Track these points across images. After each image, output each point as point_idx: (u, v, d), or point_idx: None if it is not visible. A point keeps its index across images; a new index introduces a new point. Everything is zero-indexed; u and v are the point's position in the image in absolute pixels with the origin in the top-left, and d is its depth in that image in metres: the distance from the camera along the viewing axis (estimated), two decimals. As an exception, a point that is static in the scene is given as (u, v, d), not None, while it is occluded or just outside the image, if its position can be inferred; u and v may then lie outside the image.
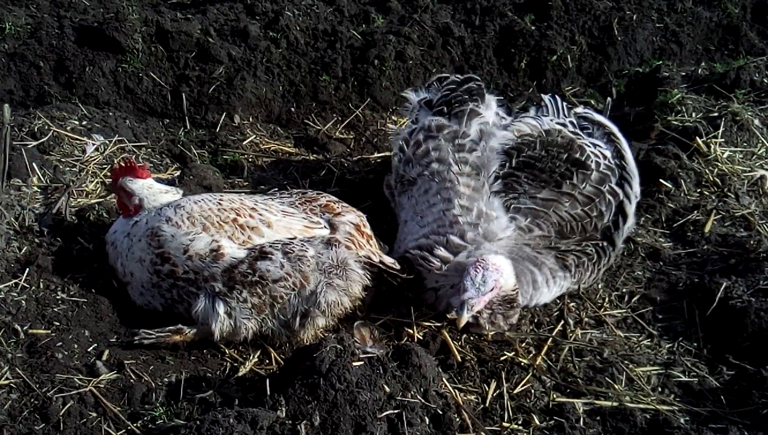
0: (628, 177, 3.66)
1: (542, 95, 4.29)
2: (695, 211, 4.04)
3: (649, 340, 3.42)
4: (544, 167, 3.53)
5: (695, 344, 3.36)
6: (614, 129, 3.92)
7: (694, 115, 4.68)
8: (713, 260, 3.76)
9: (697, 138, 4.40)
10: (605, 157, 3.66)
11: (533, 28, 5.51)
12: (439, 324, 3.38)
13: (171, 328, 3.16)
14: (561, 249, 3.40)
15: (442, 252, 3.34)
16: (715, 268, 3.68)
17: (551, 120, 3.86)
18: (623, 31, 5.56)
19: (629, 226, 3.68)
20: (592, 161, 3.58)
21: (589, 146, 3.67)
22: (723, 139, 4.44)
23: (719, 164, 4.29)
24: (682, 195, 4.16)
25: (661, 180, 4.18)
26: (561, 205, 3.44)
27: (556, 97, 4.13)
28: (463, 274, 3.17)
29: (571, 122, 3.87)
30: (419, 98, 4.14)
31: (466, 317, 3.14)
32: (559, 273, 3.41)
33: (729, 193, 4.14)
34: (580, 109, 4.13)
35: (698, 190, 4.18)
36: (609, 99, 4.76)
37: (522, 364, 3.22)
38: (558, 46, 5.42)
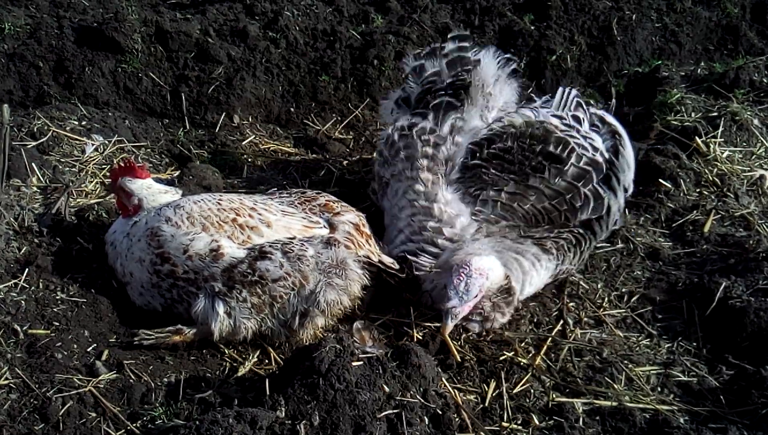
0: (617, 170, 3.61)
1: (561, 88, 4.15)
2: (694, 211, 4.04)
3: (648, 339, 3.41)
4: (513, 159, 3.49)
5: (695, 344, 3.36)
6: (620, 129, 3.86)
7: (693, 114, 4.68)
8: (712, 260, 3.76)
9: (697, 138, 4.40)
10: (595, 151, 3.59)
11: (532, 27, 5.52)
12: (438, 324, 3.38)
13: (170, 328, 3.16)
14: (535, 236, 3.39)
15: (424, 258, 3.35)
16: (714, 268, 3.68)
17: (547, 112, 3.80)
18: (622, 31, 5.56)
19: (616, 219, 3.66)
20: (573, 154, 3.50)
21: (575, 138, 3.60)
22: (722, 139, 4.44)
23: (718, 164, 4.29)
24: (681, 195, 4.16)
25: (661, 180, 4.18)
26: (526, 198, 3.41)
27: (571, 91, 4.01)
28: (448, 279, 3.17)
29: (574, 117, 3.79)
30: (395, 97, 4.11)
31: (450, 326, 3.15)
32: (542, 256, 3.40)
33: (728, 193, 4.14)
34: (596, 110, 3.99)
35: (697, 190, 4.18)
36: (613, 101, 4.68)
37: (521, 363, 3.22)
38: (557, 46, 5.43)
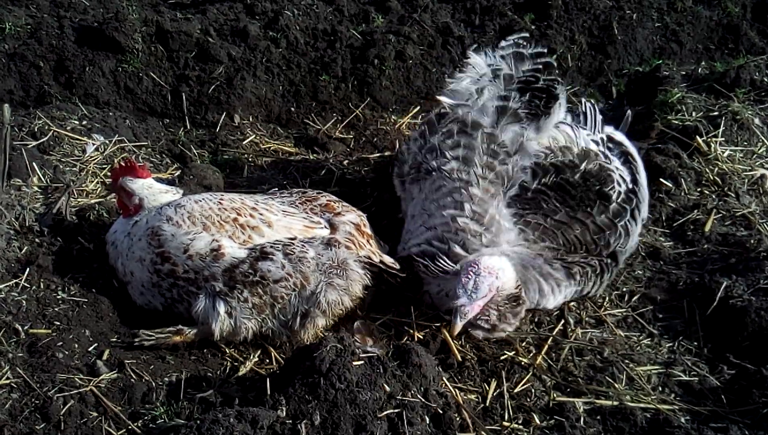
0: (639, 202, 3.58)
1: (582, 99, 4.11)
2: (695, 211, 4.03)
3: (649, 339, 3.41)
4: (576, 195, 3.39)
5: (695, 343, 3.36)
6: (632, 149, 3.80)
7: (694, 114, 4.68)
8: (713, 259, 3.76)
9: (698, 137, 4.40)
10: (625, 182, 3.55)
11: (533, 27, 5.51)
12: (438, 323, 3.38)
13: (171, 329, 3.16)
14: (567, 260, 3.34)
15: (443, 262, 3.25)
16: (715, 268, 3.68)
17: (587, 134, 3.67)
18: (623, 30, 5.56)
19: (632, 246, 3.64)
20: (614, 192, 3.46)
21: (614, 172, 3.53)
22: (723, 138, 4.44)
23: (719, 163, 4.29)
24: (682, 194, 4.16)
25: (662, 179, 4.18)
26: (572, 229, 3.35)
27: (595, 106, 3.91)
28: (457, 278, 3.15)
29: (602, 139, 3.70)
30: (488, 64, 3.73)
31: (459, 325, 3.12)
32: (564, 283, 3.37)
33: (729, 193, 4.14)
34: (607, 129, 3.87)
35: (698, 190, 4.18)
36: (628, 113, 4.30)
37: (522, 363, 3.22)
38: (558, 46, 5.43)
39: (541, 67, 3.68)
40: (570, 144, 3.54)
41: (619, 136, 3.84)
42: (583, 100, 4.01)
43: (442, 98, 3.72)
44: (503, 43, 3.81)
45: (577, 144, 3.55)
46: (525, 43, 3.78)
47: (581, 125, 3.75)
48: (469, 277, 3.08)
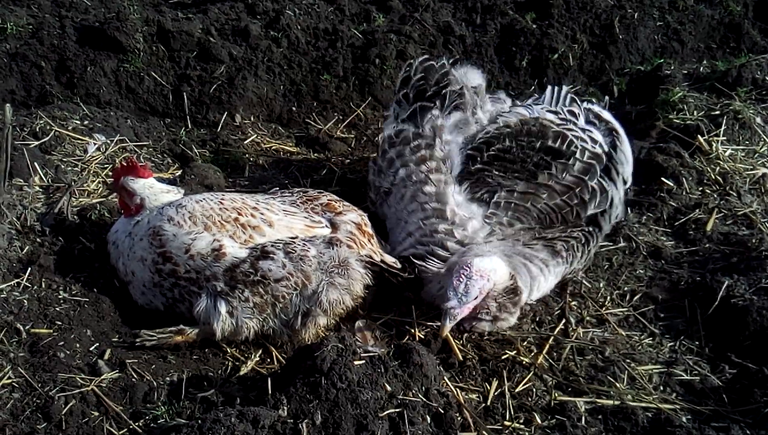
0: (616, 163, 3.65)
1: (549, 87, 4.22)
2: (697, 210, 4.03)
3: (650, 338, 3.41)
4: (514, 158, 3.51)
5: (697, 343, 3.36)
6: (617, 125, 3.90)
7: (695, 113, 4.68)
8: (715, 259, 3.75)
9: (699, 136, 4.40)
10: (594, 143, 3.63)
11: (534, 26, 5.51)
12: (440, 323, 3.37)
13: (172, 328, 3.16)
14: (547, 237, 3.38)
15: (432, 262, 3.33)
16: (716, 267, 3.68)
17: (542, 108, 3.84)
18: (624, 30, 5.56)
19: (618, 214, 3.68)
20: (575, 148, 3.54)
21: (573, 131, 3.63)
22: (725, 138, 4.43)
23: (721, 162, 4.29)
24: (683, 193, 4.15)
25: (663, 178, 4.18)
26: (539, 197, 3.42)
27: (563, 87, 4.10)
28: (448, 279, 3.17)
29: (569, 111, 3.83)
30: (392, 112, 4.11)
31: (449, 326, 3.14)
32: (551, 261, 3.39)
33: (731, 192, 4.14)
34: (592, 106, 4.04)
35: (700, 189, 4.18)
36: (606, 98, 4.68)
37: (523, 362, 3.22)
38: (559, 45, 5.42)
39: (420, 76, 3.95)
40: (520, 120, 3.72)
41: (606, 115, 3.97)
42: (549, 86, 4.19)
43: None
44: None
45: (527, 119, 3.72)
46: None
47: (540, 103, 3.94)
48: (461, 280, 3.10)
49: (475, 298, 3.12)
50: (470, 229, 3.37)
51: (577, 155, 3.53)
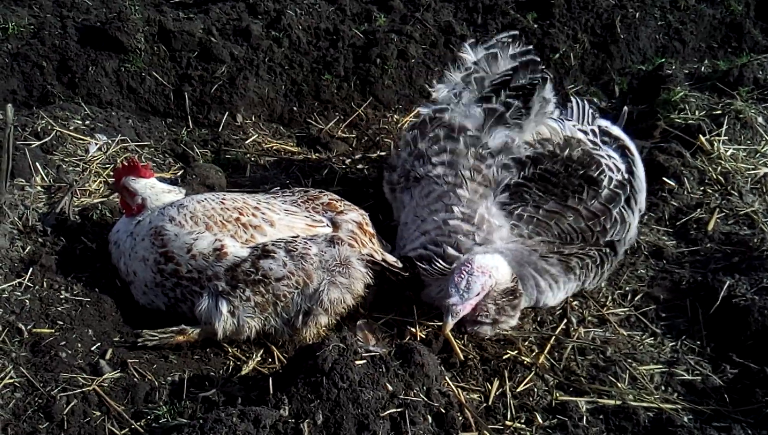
0: (635, 192, 3.60)
1: (572, 97, 4.16)
2: (698, 209, 4.03)
3: (652, 338, 3.41)
4: (558, 182, 3.42)
5: (698, 343, 3.36)
6: (629, 143, 3.84)
7: (697, 112, 4.67)
8: (716, 258, 3.75)
9: (701, 136, 4.39)
10: (619, 171, 3.57)
11: (536, 26, 5.51)
12: (441, 323, 3.37)
13: (174, 328, 3.16)
14: (564, 253, 3.35)
15: (440, 264, 3.28)
16: (718, 267, 3.67)
17: (573, 125, 3.73)
18: (626, 29, 5.56)
19: (631, 237, 3.66)
20: (605, 177, 3.48)
21: (605, 159, 3.57)
22: (726, 137, 4.43)
23: (722, 162, 4.28)
24: (685, 193, 4.15)
25: (665, 178, 4.18)
26: (564, 218, 3.37)
27: (585, 101, 3.98)
28: (450, 276, 3.15)
29: (592, 130, 3.76)
30: (463, 74, 3.78)
31: (451, 323, 3.13)
32: (561, 278, 3.38)
33: (732, 191, 4.13)
34: (602, 122, 3.94)
35: (701, 188, 4.18)
36: (625, 109, 4.45)
37: (525, 362, 3.22)
38: (560, 44, 5.42)
39: (518, 65, 3.69)
40: (553, 135, 3.59)
41: (616, 131, 3.89)
42: (572, 97, 4.07)
43: (422, 109, 3.78)
44: (490, 42, 3.89)
45: (561, 135, 3.60)
46: (508, 42, 3.84)
47: (567, 118, 3.81)
48: (462, 276, 3.09)
49: (477, 295, 3.10)
50: (495, 236, 3.31)
51: (605, 183, 3.47)
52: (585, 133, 3.72)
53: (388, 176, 3.87)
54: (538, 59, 3.81)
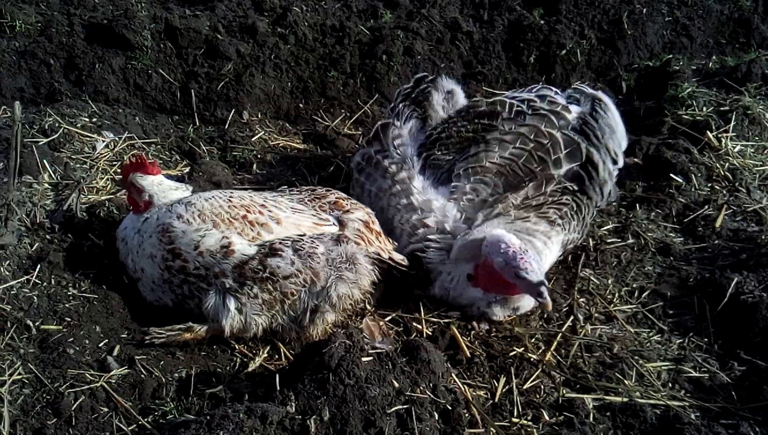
0: (592, 127, 3.73)
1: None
2: (706, 206, 4.01)
3: (659, 335, 3.40)
4: (449, 135, 3.71)
5: (706, 340, 3.35)
6: (602, 95, 4.02)
7: (704, 109, 4.65)
8: (724, 255, 3.74)
9: (708, 132, 4.38)
10: (543, 100, 3.79)
11: (542, 22, 5.49)
12: (448, 320, 3.38)
13: (182, 326, 3.17)
14: (533, 204, 3.44)
15: (433, 252, 3.39)
16: (726, 263, 3.66)
17: (509, 95, 4.04)
18: (633, 25, 5.53)
19: (610, 190, 3.75)
20: (519, 108, 3.72)
21: (517, 98, 3.83)
22: (734, 133, 4.41)
23: (730, 158, 4.27)
24: (692, 189, 4.14)
25: (672, 174, 4.17)
26: (491, 151, 3.54)
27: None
28: (507, 271, 3.14)
29: (539, 96, 3.92)
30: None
31: (550, 301, 3.15)
32: (551, 232, 3.44)
33: (740, 188, 4.12)
34: (574, 85, 4.26)
35: (709, 185, 4.16)
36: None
37: (531, 359, 3.21)
38: (567, 41, 5.40)
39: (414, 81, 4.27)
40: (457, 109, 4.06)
41: (589, 90, 4.12)
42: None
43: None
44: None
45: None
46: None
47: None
48: (525, 259, 3.10)
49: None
50: (437, 209, 3.44)
51: (520, 109, 3.72)
52: (528, 97, 3.90)
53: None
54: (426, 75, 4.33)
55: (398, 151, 3.75)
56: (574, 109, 3.86)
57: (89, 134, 4.25)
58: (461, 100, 4.21)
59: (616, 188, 3.93)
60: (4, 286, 3.13)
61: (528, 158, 3.48)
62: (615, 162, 3.80)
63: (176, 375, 3.03)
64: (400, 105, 4.09)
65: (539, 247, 3.38)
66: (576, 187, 3.57)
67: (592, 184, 3.60)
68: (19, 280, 3.21)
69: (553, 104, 3.81)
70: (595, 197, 3.64)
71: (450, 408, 2.73)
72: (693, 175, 4.16)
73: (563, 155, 3.56)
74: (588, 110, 3.87)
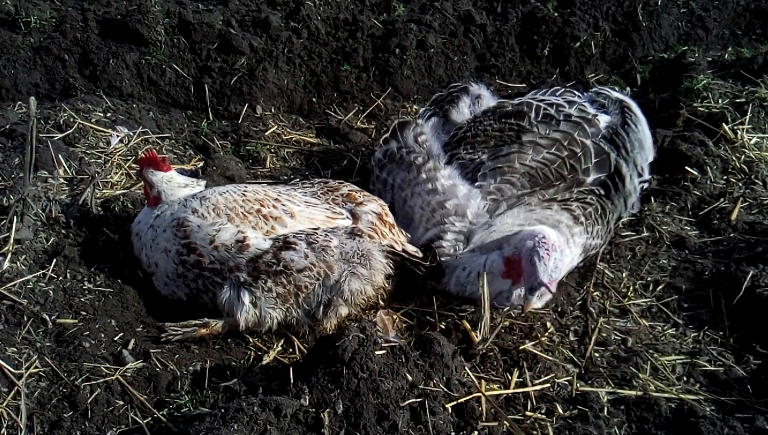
0: (623, 139, 3.74)
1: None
2: (721, 199, 3.98)
3: (674, 329, 3.38)
4: (475, 133, 3.73)
5: (721, 333, 3.32)
6: (630, 102, 4.01)
7: (720, 101, 4.61)
8: (740, 248, 3.71)
9: (724, 124, 4.34)
10: (571, 106, 3.78)
11: (556, 14, 5.46)
12: (462, 313, 3.38)
13: (197, 322, 3.18)
14: (558, 199, 3.43)
15: (447, 242, 3.41)
16: (741, 257, 3.63)
17: (535, 97, 4.04)
18: (648, 17, 5.49)
19: (633, 202, 3.74)
20: (548, 112, 3.73)
21: (545, 101, 3.83)
22: (750, 126, 4.37)
23: (746, 151, 4.23)
24: (708, 182, 4.10)
25: (687, 167, 4.13)
26: (524, 154, 3.54)
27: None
28: (527, 252, 3.08)
29: (565, 100, 3.94)
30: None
31: (536, 304, 3.15)
32: (575, 229, 3.41)
33: (756, 180, 4.08)
34: (596, 88, 4.27)
35: (725, 178, 4.12)
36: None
37: (545, 353, 3.20)
38: (581, 33, 5.37)
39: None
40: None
41: (616, 94, 4.16)
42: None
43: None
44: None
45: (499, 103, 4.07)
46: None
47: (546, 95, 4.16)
48: (550, 254, 3.00)
49: (560, 276, 3.14)
50: (460, 195, 3.46)
51: (548, 112, 3.73)
52: (541, 100, 3.93)
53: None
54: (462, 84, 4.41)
55: (423, 147, 3.80)
56: (603, 119, 3.88)
57: (104, 129, 4.28)
58: (488, 102, 4.23)
59: (639, 202, 3.93)
60: (21, 280, 3.16)
61: (561, 165, 3.51)
62: (640, 175, 3.82)
63: (191, 368, 3.05)
64: (427, 106, 4.20)
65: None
66: (603, 192, 3.59)
67: (618, 194, 3.61)
68: (35, 275, 3.24)
69: (583, 111, 3.83)
70: (619, 207, 3.64)
71: (463, 401, 2.73)
72: (708, 168, 4.13)
73: (593, 165, 3.59)
74: (619, 121, 3.87)
